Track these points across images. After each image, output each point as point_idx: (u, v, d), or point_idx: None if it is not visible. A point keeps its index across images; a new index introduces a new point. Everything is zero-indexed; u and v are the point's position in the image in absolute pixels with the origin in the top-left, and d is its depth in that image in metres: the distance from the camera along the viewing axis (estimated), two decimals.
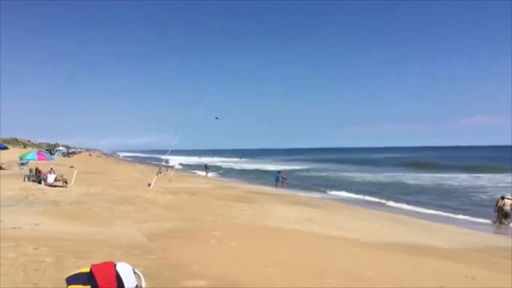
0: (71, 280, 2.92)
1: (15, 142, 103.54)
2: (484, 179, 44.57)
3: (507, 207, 21.03)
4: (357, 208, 23.84)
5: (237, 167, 77.83)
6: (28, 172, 26.67)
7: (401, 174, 54.21)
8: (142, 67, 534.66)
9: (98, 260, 3.15)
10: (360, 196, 31.27)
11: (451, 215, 23.06)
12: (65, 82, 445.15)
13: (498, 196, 22.92)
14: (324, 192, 35.15)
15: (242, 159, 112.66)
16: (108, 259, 3.16)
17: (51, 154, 59.19)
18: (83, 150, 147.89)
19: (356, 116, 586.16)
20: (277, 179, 41.36)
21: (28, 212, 13.68)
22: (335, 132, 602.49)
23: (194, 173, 60.46)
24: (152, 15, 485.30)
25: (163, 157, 46.34)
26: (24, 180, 24.52)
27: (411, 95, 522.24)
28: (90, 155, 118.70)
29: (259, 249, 10.55)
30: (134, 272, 3.05)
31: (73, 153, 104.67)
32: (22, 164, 35.03)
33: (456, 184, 41.15)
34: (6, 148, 42.07)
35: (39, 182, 23.76)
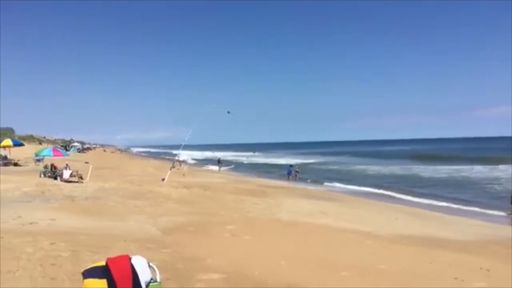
0: (87, 273, 2.97)
1: (30, 138, 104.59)
2: (500, 171, 43.91)
3: None
4: (371, 201, 23.72)
5: (250, 161, 77.91)
6: (43, 168, 27.01)
7: (415, 166, 53.70)
8: (158, 62, 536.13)
9: (113, 254, 3.20)
10: (373, 189, 31.07)
11: (466, 207, 22.83)
12: (81, 78, 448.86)
13: None
14: (337, 185, 35.03)
15: (256, 153, 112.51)
16: (124, 253, 3.21)
17: (66, 150, 59.72)
18: (98, 146, 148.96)
19: (369, 108, 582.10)
20: (289, 173, 41.33)
21: (44, 207, 13.88)
22: (347, 125, 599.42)
23: (208, 167, 60.72)
24: (171, 11, 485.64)
25: (174, 152, 46.46)
26: (40, 176, 24.85)
27: (426, 86, 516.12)
28: (105, 150, 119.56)
29: (272, 242, 10.60)
30: (149, 266, 3.10)
31: (88, 149, 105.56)
32: (38, 160, 35.47)
33: (471, 176, 40.64)
34: (22, 144, 42.56)
35: (55, 178, 24.07)
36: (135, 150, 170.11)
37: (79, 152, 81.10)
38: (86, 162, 35.06)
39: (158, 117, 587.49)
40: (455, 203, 24.03)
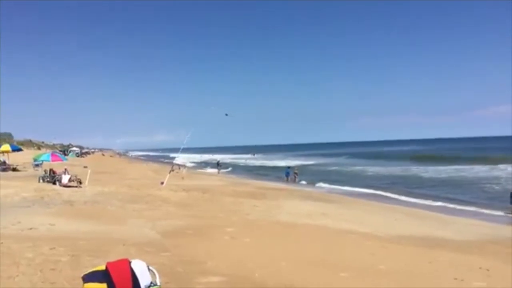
0: (87, 278, 2.98)
1: (29, 143, 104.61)
2: (499, 170, 43.94)
3: None
4: (370, 202, 23.76)
5: (249, 164, 77.91)
6: (42, 173, 27.00)
7: (415, 167, 53.74)
8: (158, 64, 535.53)
9: (113, 258, 3.21)
10: (373, 190, 31.08)
11: (465, 207, 22.85)
12: (79, 83, 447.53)
13: None
14: (337, 186, 35.03)
15: (255, 156, 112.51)
16: (123, 257, 3.22)
17: (65, 154, 59.78)
18: (96, 150, 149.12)
19: (369, 108, 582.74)
20: (287, 174, 41.36)
21: (43, 212, 13.88)
22: (347, 125, 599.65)
23: (207, 170, 60.72)
24: (169, 14, 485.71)
25: (173, 155, 46.46)
26: (39, 181, 24.85)
27: (426, 86, 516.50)
28: (103, 155, 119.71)
29: (272, 244, 10.61)
30: (149, 269, 3.11)
31: (87, 153, 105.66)
32: (37, 165, 35.43)
33: (471, 176, 40.64)
34: (20, 150, 42.55)
35: (54, 183, 24.07)
36: (133, 153, 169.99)
37: (78, 156, 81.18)
38: (85, 167, 35.07)
39: (159, 121, 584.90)
40: (454, 203, 24.05)
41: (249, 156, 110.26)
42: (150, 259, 6.94)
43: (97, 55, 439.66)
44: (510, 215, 20.76)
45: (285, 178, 40.68)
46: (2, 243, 8.61)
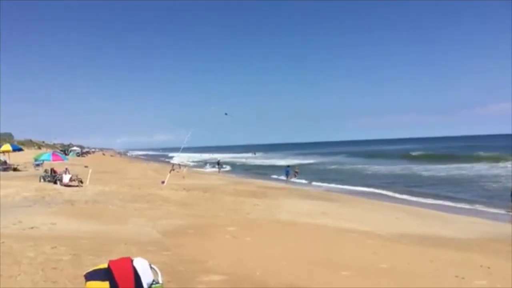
0: (89, 276, 2.98)
1: (29, 143, 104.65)
2: (499, 168, 43.93)
3: None
4: (371, 201, 23.74)
5: (249, 163, 77.86)
6: (43, 173, 27.02)
7: (414, 166, 53.70)
8: (158, 65, 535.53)
9: (114, 257, 3.22)
10: (373, 189, 31.07)
11: (465, 205, 22.83)
12: (80, 83, 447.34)
13: None
14: (337, 185, 35.02)
15: (256, 155, 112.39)
16: (125, 256, 3.23)
17: (66, 154, 59.78)
18: (97, 150, 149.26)
19: (369, 108, 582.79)
20: (287, 173, 41.37)
21: (44, 212, 13.89)
22: (347, 125, 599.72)
23: (207, 169, 60.71)
24: (169, 14, 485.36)
25: (172, 154, 46.46)
26: (40, 181, 24.87)
27: (425, 85, 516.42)
28: (104, 154, 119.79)
29: (273, 243, 10.61)
30: (151, 267, 3.11)
31: (87, 153, 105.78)
32: (37, 165, 35.51)
33: (471, 174, 40.62)
34: (21, 149, 42.57)
35: (55, 182, 24.09)
36: (134, 153, 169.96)
37: (78, 156, 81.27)
38: (86, 166, 35.11)
39: (159, 120, 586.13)
40: (455, 202, 24.02)
41: (249, 155, 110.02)
42: (152, 258, 6.91)
43: (97, 55, 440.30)
44: (511, 213, 20.76)
45: (285, 177, 40.65)
46: (3, 242, 8.62)
